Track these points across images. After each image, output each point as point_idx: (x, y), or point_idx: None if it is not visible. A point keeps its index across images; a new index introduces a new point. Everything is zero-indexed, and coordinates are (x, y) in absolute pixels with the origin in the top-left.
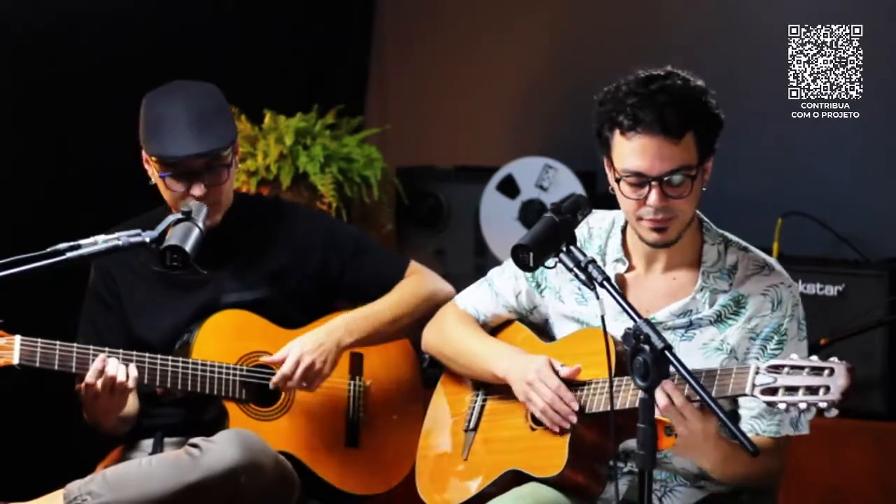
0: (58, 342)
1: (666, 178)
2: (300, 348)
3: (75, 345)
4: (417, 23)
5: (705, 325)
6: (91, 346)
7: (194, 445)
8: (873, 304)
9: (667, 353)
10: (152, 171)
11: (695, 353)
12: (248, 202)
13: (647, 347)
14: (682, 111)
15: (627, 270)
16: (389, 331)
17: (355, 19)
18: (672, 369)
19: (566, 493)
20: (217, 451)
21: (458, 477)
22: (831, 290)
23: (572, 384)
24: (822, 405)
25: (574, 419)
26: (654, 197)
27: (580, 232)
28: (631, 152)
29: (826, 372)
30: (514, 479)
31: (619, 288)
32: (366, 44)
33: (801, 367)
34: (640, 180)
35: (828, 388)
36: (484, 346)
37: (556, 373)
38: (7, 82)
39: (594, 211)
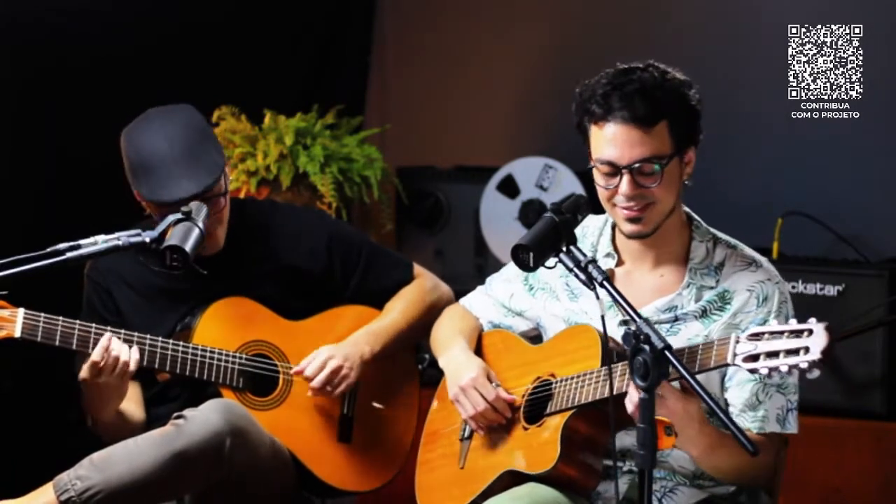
0: (60, 318)
1: (636, 166)
2: (328, 352)
3: (77, 322)
4: (418, 23)
5: (690, 319)
6: (93, 325)
7: (179, 416)
8: (873, 304)
9: (667, 352)
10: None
11: (679, 346)
12: (243, 208)
13: (646, 347)
14: (653, 100)
15: (617, 265)
16: (405, 339)
17: (355, 19)
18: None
19: (562, 489)
20: (200, 418)
21: (456, 485)
22: (831, 290)
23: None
24: (804, 365)
25: (503, 422)
26: (625, 185)
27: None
28: (603, 141)
29: (805, 333)
30: (511, 480)
31: None
32: (366, 44)
33: (781, 332)
34: (612, 169)
35: (807, 349)
36: (447, 336)
37: (493, 383)
38: (7, 82)
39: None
